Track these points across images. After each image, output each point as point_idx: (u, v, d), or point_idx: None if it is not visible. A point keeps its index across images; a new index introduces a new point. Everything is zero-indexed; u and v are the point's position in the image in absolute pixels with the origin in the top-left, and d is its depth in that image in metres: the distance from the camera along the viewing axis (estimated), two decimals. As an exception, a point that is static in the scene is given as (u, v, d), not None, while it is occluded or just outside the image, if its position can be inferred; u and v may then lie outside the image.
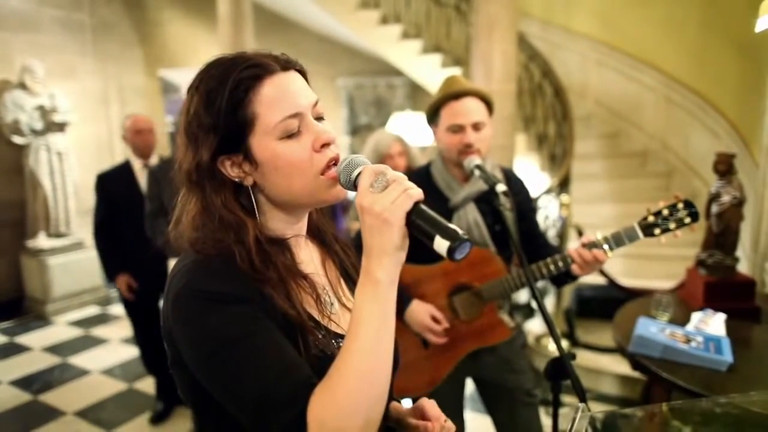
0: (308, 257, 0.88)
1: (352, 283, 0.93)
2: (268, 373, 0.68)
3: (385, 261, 0.68)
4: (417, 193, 0.69)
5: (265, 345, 0.70)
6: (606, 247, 1.51)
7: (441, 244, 0.66)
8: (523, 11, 5.00)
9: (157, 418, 2.92)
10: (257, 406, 0.67)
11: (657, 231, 1.47)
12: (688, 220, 1.46)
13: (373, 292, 0.68)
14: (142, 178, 2.83)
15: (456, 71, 4.33)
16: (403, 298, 1.63)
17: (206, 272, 0.73)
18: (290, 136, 0.76)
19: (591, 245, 1.52)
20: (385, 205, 0.67)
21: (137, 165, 2.87)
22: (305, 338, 0.76)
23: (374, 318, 0.68)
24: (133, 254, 2.76)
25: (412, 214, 0.68)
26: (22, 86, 4.47)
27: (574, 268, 1.55)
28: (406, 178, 0.70)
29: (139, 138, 2.85)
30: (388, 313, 0.69)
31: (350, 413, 0.64)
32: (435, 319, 1.63)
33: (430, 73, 4.79)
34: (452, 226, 0.67)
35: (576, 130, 4.24)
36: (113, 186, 2.84)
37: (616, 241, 1.51)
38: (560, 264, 1.56)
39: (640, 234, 1.48)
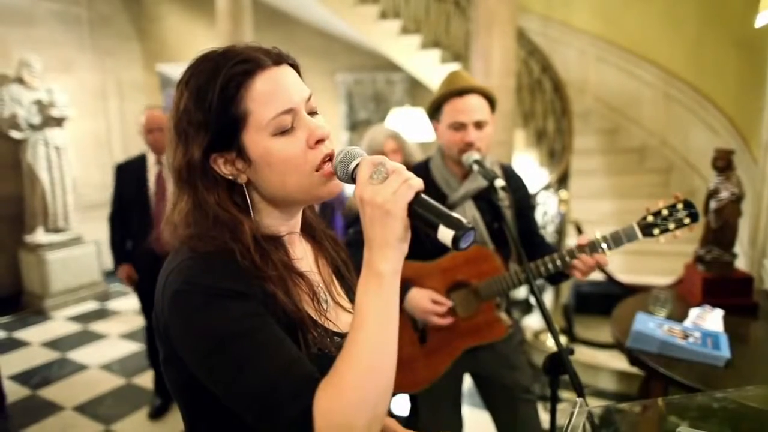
0: (302, 255, 0.87)
1: (343, 280, 0.93)
2: (272, 368, 0.67)
3: (388, 253, 0.68)
4: (418, 183, 0.68)
5: (267, 340, 0.69)
6: (604, 246, 1.50)
7: (445, 234, 0.65)
8: (523, 7, 4.98)
9: (156, 413, 2.93)
10: (261, 402, 0.66)
11: (656, 231, 1.45)
12: (687, 220, 1.43)
13: (376, 285, 0.68)
14: (152, 174, 2.86)
15: (455, 67, 4.31)
16: (403, 287, 1.62)
17: (206, 268, 0.72)
18: (284, 132, 0.74)
19: (590, 246, 1.51)
20: (387, 196, 0.66)
21: (151, 160, 2.90)
22: (305, 336, 0.75)
23: (379, 310, 0.67)
24: (140, 248, 2.79)
25: (414, 204, 0.67)
26: (20, 81, 4.45)
27: (576, 273, 1.54)
28: (405, 168, 0.69)
29: (150, 136, 2.86)
30: (392, 305, 0.69)
31: (357, 407, 0.64)
32: (435, 303, 1.63)
33: (429, 68, 4.77)
34: (455, 214, 0.66)
35: (575, 126, 4.23)
36: (126, 177, 2.90)
37: (615, 241, 1.49)
38: (558, 263, 1.55)
39: (639, 234, 1.46)
